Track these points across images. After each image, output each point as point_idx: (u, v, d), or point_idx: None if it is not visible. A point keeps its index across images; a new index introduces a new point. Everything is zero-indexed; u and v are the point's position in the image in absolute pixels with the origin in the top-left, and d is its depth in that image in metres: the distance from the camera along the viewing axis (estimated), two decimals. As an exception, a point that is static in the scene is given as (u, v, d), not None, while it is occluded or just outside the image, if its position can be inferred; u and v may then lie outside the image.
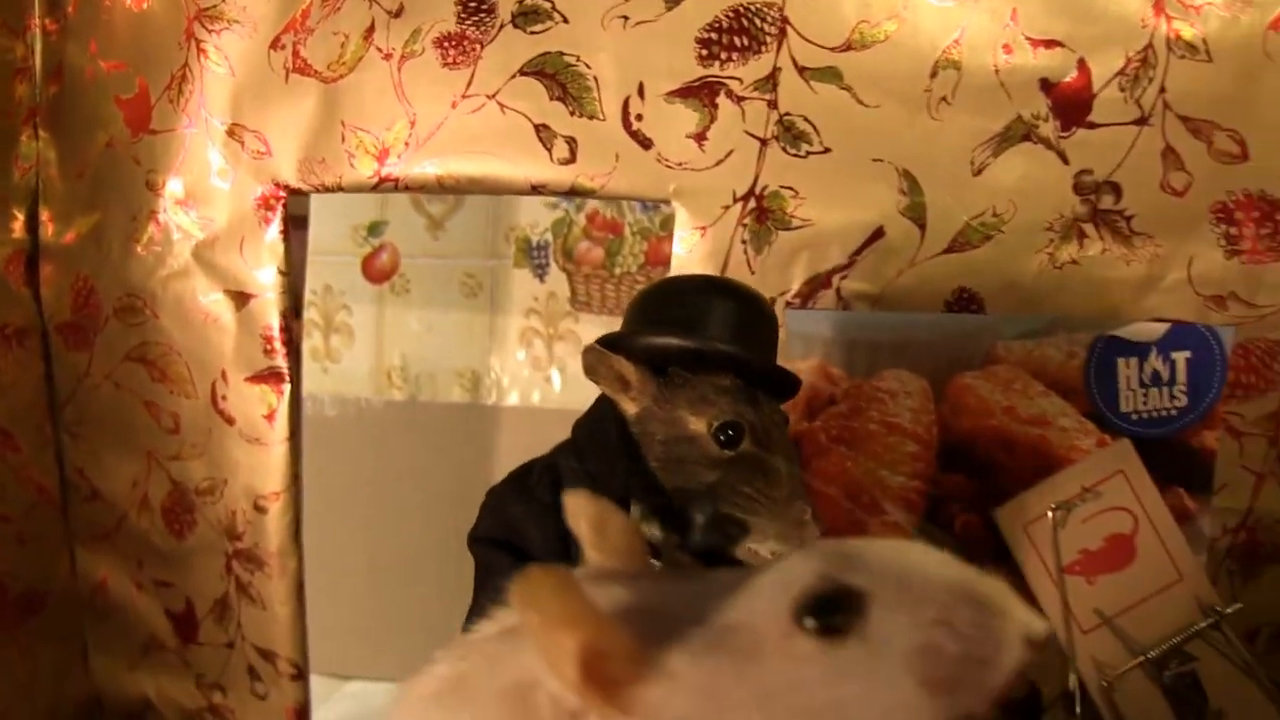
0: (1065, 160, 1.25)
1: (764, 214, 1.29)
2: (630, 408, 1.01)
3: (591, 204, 1.74)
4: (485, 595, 0.93)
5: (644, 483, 0.99)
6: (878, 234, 1.28)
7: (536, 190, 1.34)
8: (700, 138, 1.30)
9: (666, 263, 1.38)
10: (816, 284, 1.29)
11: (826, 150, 1.28)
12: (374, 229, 1.79)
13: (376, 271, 1.79)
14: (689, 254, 1.31)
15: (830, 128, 1.28)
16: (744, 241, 1.30)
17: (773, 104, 1.28)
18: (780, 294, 1.29)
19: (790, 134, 1.28)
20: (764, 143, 1.29)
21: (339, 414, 1.80)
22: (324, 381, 1.81)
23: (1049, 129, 1.25)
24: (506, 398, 1.77)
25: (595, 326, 1.74)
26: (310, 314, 1.81)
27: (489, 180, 1.34)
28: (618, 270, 1.71)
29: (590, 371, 1.02)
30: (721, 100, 1.29)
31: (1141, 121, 1.24)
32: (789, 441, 1.03)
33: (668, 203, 1.32)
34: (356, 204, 1.79)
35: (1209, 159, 1.24)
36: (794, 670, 0.54)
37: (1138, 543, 1.28)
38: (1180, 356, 1.27)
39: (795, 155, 1.28)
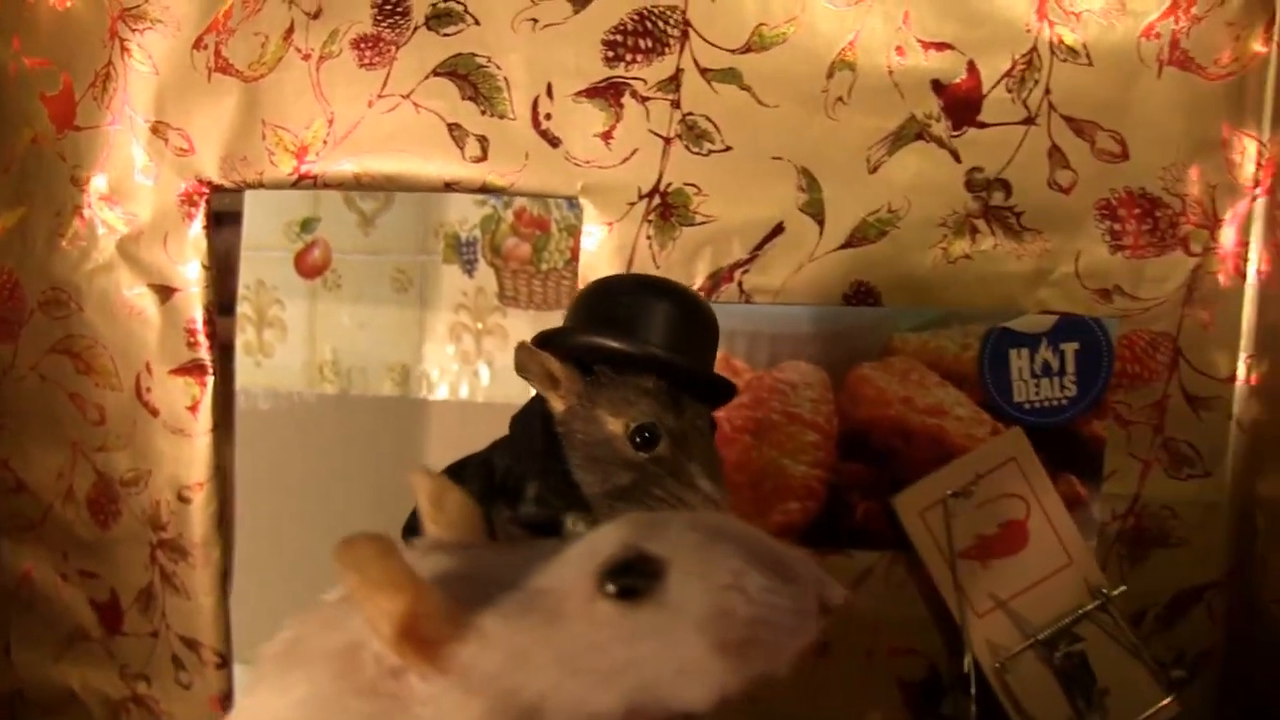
0: (957, 158, 1.30)
1: (668, 210, 1.33)
2: (558, 405, 1.02)
3: (519, 201, 1.77)
4: None
5: (563, 482, 1.00)
6: (777, 230, 1.32)
7: (450, 187, 1.37)
8: (607, 136, 1.33)
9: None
10: (719, 278, 1.33)
11: (728, 148, 1.32)
12: (306, 225, 1.82)
13: (309, 267, 1.82)
14: (597, 249, 1.35)
15: (731, 127, 1.31)
16: (649, 237, 1.33)
17: (676, 104, 1.32)
18: (684, 288, 1.33)
19: (693, 133, 1.32)
20: (668, 141, 1.32)
21: (272, 407, 1.83)
22: (257, 375, 1.84)
23: (941, 128, 1.30)
24: (436, 392, 1.80)
25: (523, 321, 1.77)
26: (243, 309, 1.83)
27: (404, 178, 1.38)
28: (544, 266, 1.75)
29: (521, 368, 1.03)
30: (627, 100, 1.33)
31: (1028, 121, 1.29)
32: (712, 448, 1.03)
33: (575, 200, 1.35)
34: (289, 201, 1.81)
35: (1092, 158, 1.29)
36: (594, 632, 0.58)
37: (1030, 528, 1.33)
38: (1069, 348, 1.32)
39: (698, 153, 1.32)
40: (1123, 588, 1.30)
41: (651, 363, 1.00)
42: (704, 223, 1.33)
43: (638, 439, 0.98)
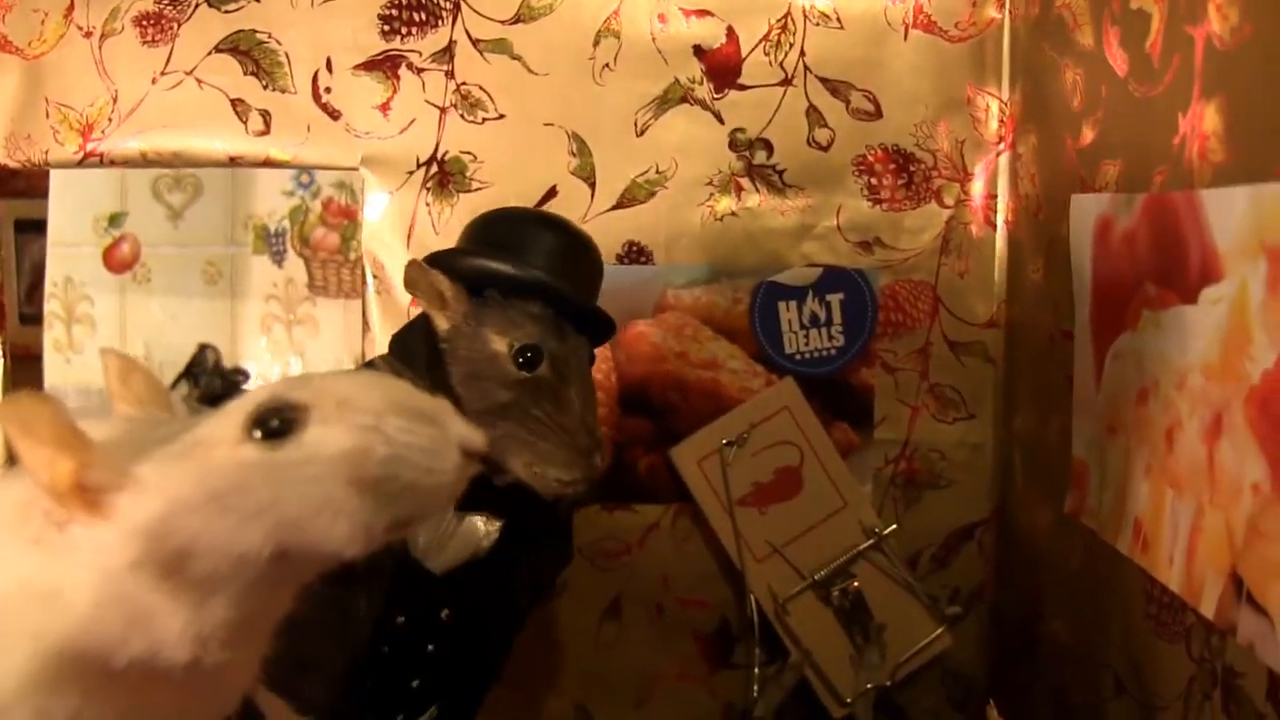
0: (720, 120, 1.36)
1: (446, 178, 1.36)
2: (443, 324, 1.05)
3: (327, 191, 1.79)
4: None
5: (444, 397, 1.03)
6: (551, 193, 1.36)
7: (234, 162, 1.39)
8: (385, 108, 1.36)
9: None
10: (497, 242, 1.36)
11: (501, 116, 1.36)
12: (114, 220, 1.81)
13: (118, 261, 1.81)
14: (380, 219, 1.38)
15: (504, 95, 1.36)
16: (428, 204, 1.37)
17: (450, 74, 1.36)
18: (464, 253, 1.36)
19: (467, 102, 1.36)
20: (443, 111, 1.36)
21: (82, 405, 1.81)
22: (67, 373, 1.82)
23: (704, 91, 1.35)
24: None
25: (333, 310, 1.79)
26: (51, 306, 1.81)
27: (189, 154, 1.39)
28: (353, 255, 1.76)
29: (410, 285, 1.06)
30: (403, 72, 1.36)
31: (786, 83, 1.35)
32: (589, 378, 1.08)
33: (356, 170, 1.38)
34: (97, 195, 1.81)
35: (848, 117, 1.36)
36: (240, 474, 0.60)
37: (804, 474, 1.38)
38: (835, 299, 1.37)
39: (473, 122, 1.36)
40: (893, 526, 1.35)
41: (538, 288, 1.03)
42: (480, 189, 1.36)
43: (520, 359, 1.02)
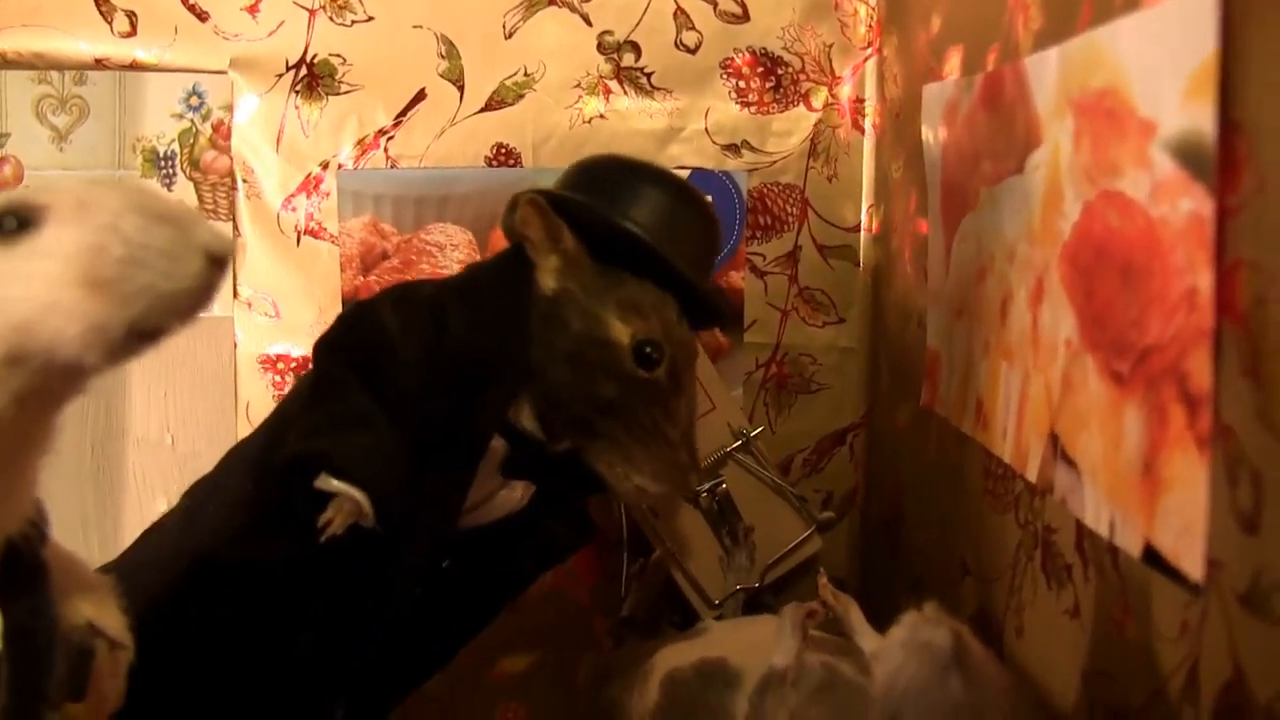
0: (589, 22, 1.35)
1: (315, 81, 1.35)
2: (550, 282, 0.94)
3: (217, 114, 1.77)
4: (321, 411, 0.87)
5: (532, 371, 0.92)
6: (420, 96, 1.36)
7: (100, 64, 1.37)
8: (253, 9, 1.35)
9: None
10: (365, 145, 1.36)
11: (370, 19, 1.35)
12: (-2, 142, 1.79)
13: None
14: (248, 122, 1.37)
15: (373, -3, 1.35)
16: (297, 107, 1.36)
17: (318, -25, 1.35)
18: (332, 156, 1.36)
19: (336, 4, 1.35)
20: (312, 13, 1.35)
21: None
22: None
23: (572, -7, 1.35)
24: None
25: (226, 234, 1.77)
26: (-64, 231, 1.79)
27: (52, 55, 1.37)
28: (245, 176, 1.75)
29: (522, 224, 0.93)
30: (272, -27, 1.35)
31: (653, -15, 1.35)
32: (695, 388, 0.99)
33: (224, 73, 1.37)
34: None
35: (716, 19, 1.36)
36: None
37: (675, 378, 1.38)
38: (703, 202, 1.37)
39: (341, 24, 1.35)
40: (761, 428, 1.35)
41: (683, 284, 0.93)
42: (349, 91, 1.35)
43: (640, 356, 0.91)
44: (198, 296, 0.62)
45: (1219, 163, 0.62)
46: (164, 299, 0.61)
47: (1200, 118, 0.63)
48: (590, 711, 1.17)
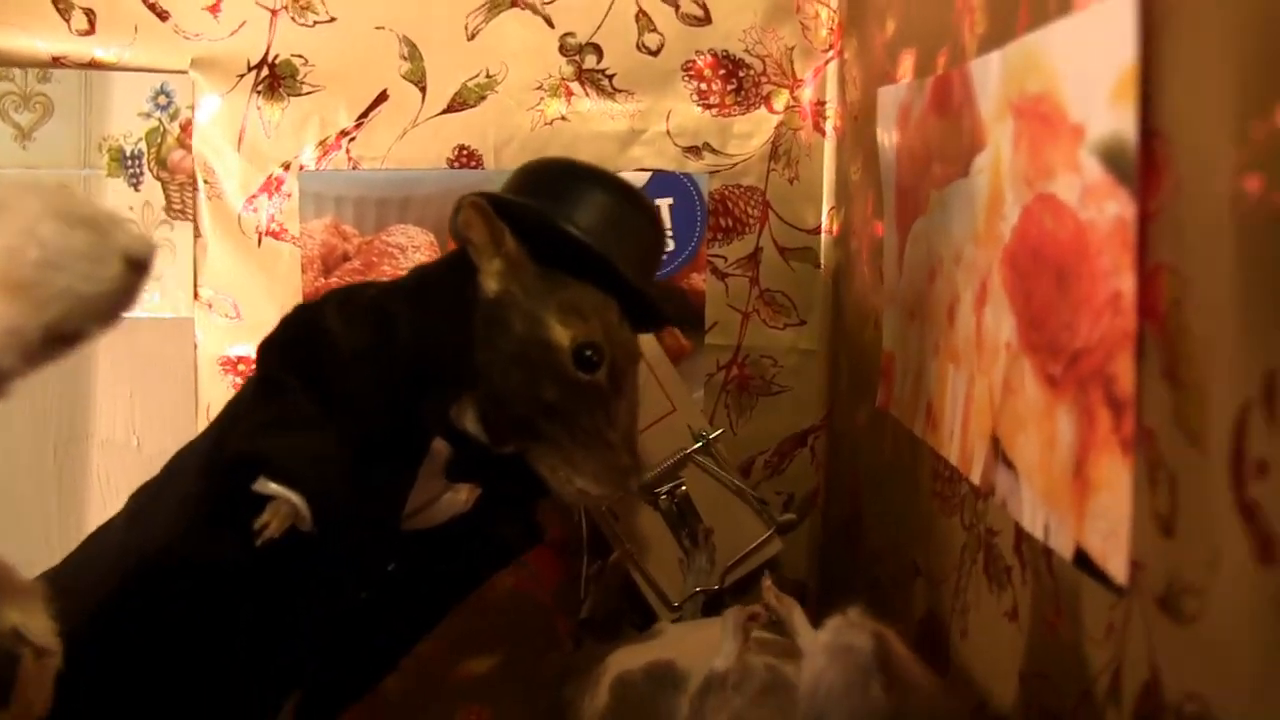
0: (551, 24, 1.36)
1: (277, 81, 1.35)
2: (492, 285, 0.93)
3: (185, 113, 1.76)
4: (262, 413, 0.88)
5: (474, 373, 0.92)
6: (382, 97, 1.36)
7: (57, 62, 1.37)
8: (215, 9, 1.35)
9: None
10: (327, 146, 1.36)
11: (333, 20, 1.35)
12: (-41, 140, 1.78)
13: (-30, 185, 1.79)
14: (209, 123, 1.37)
15: (335, -2, 1.35)
16: (259, 108, 1.36)
17: (280, -25, 1.35)
18: (294, 157, 1.36)
19: (298, 4, 1.35)
20: (275, 14, 1.35)
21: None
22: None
23: (534, -5, 1.35)
24: None
25: (191, 234, 1.76)
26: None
27: (10, 53, 1.37)
28: (213, 176, 1.75)
29: (465, 226, 0.93)
30: (233, -28, 1.35)
31: (615, -13, 1.35)
32: (636, 389, 0.99)
33: (185, 72, 1.37)
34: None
35: (678, 21, 1.36)
36: None
37: (635, 379, 1.38)
38: (664, 203, 1.38)
39: (304, 25, 1.35)
40: (720, 430, 1.35)
41: (625, 288, 0.93)
42: (311, 92, 1.35)
43: (580, 359, 0.91)
44: (117, 300, 0.62)
45: (1140, 167, 0.62)
46: (82, 302, 0.61)
47: (1124, 122, 0.64)
48: (550, 713, 1.17)
